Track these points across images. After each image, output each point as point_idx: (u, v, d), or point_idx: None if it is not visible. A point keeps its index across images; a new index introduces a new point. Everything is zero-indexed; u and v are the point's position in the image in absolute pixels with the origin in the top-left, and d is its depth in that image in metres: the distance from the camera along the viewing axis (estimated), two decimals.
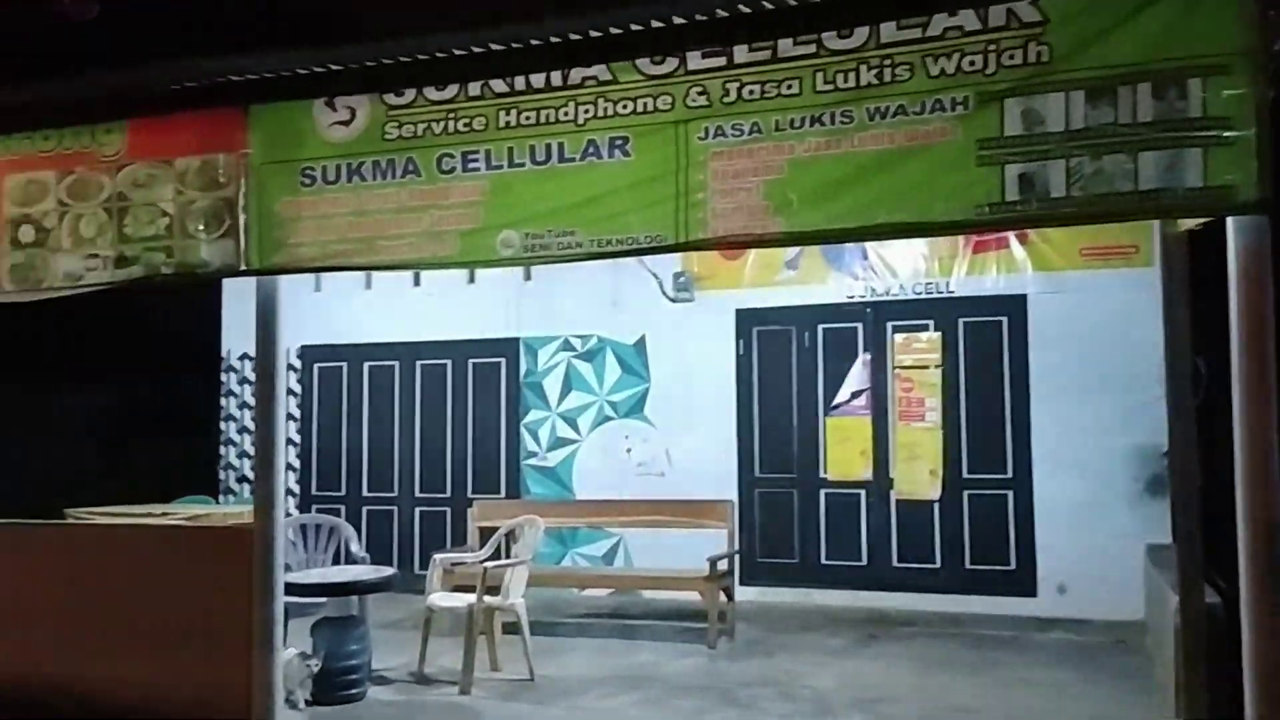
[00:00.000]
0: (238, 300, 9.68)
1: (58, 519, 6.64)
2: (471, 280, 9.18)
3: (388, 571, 6.18)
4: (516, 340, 9.28)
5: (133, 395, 14.82)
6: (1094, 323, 7.63)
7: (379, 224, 4.49)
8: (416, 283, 9.32)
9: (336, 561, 6.91)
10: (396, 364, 9.59)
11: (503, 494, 9.08)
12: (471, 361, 9.41)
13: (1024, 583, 7.80)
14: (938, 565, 8.03)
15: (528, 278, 9.10)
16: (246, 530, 4.77)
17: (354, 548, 6.82)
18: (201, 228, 4.72)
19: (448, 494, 9.36)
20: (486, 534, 7.95)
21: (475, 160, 4.38)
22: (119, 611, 4.99)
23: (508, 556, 6.58)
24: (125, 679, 4.90)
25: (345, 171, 4.53)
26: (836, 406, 8.40)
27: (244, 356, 9.90)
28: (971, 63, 3.62)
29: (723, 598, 7.16)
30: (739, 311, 8.66)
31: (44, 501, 7.34)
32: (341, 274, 8.51)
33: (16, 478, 10.90)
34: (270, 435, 4.88)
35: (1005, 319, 8.00)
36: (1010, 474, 7.93)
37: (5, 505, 6.32)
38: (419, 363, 9.55)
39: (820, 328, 8.50)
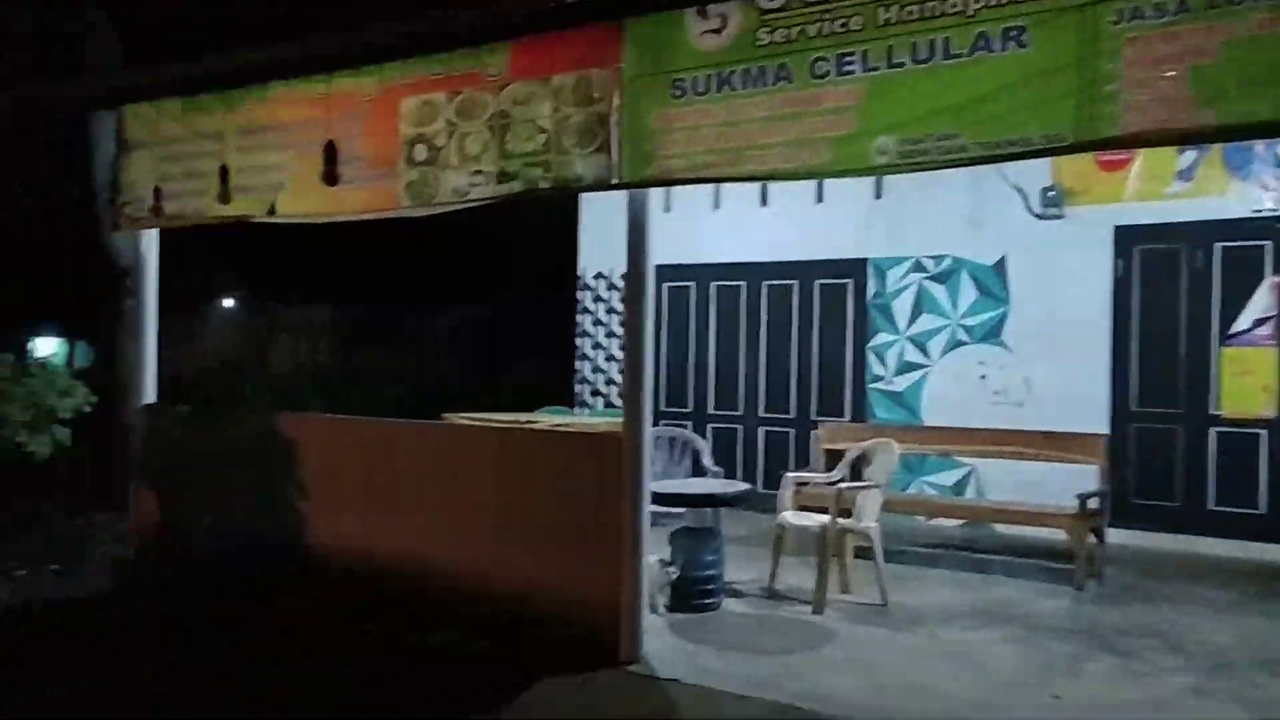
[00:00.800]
0: (594, 221, 10.10)
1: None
2: (820, 199, 8.97)
3: (744, 486, 6.23)
4: (864, 261, 8.99)
5: (498, 313, 16.06)
6: None
7: (748, 134, 4.42)
8: (764, 203, 9.23)
9: (689, 474, 7.07)
10: (743, 284, 9.60)
11: (847, 417, 8.91)
12: (818, 282, 9.24)
13: None
14: None
15: (878, 195, 8.77)
16: (618, 437, 4.93)
17: (706, 461, 6.94)
18: (576, 143, 4.85)
19: (791, 415, 9.33)
20: (831, 456, 7.84)
21: (851, 62, 4.18)
22: (499, 505, 5.34)
23: (856, 479, 6.42)
24: (502, 567, 5.26)
25: (715, 81, 4.48)
26: (1235, 335, 7.46)
27: (598, 275, 10.30)
28: None
29: (1091, 538, 6.62)
30: (1118, 229, 7.86)
31: (423, 407, 8.07)
32: (691, 194, 8.70)
33: (402, 385, 12.13)
34: (639, 348, 5.00)
35: None
36: None
37: (393, 408, 6.99)
38: (765, 283, 9.51)
39: (1217, 246, 7.55)
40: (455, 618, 5.29)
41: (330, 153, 5.45)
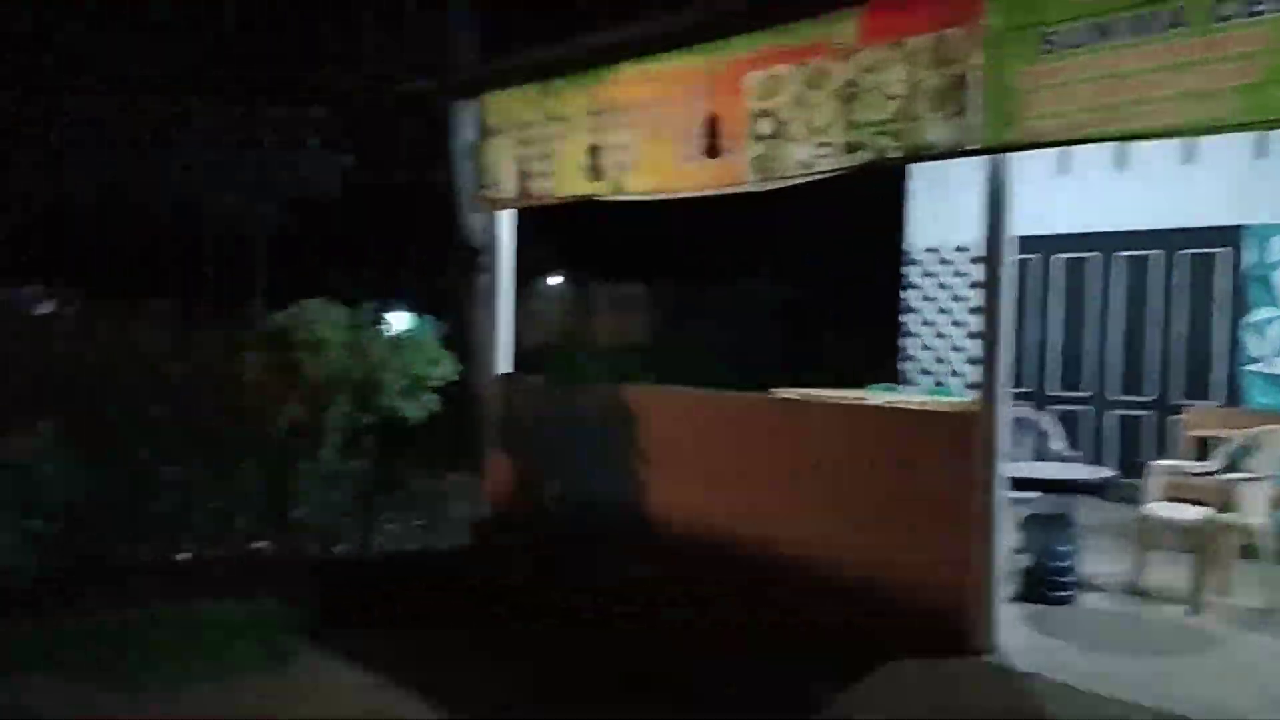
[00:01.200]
0: (924, 193, 9.70)
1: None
2: (1188, 160, 8.11)
3: (1106, 472, 5.78)
4: (1239, 228, 8.02)
5: (817, 288, 15.94)
6: None
7: (1131, 87, 4.02)
8: (1120, 166, 8.46)
9: (1032, 458, 6.63)
10: (1093, 256, 8.87)
11: (1218, 401, 8.03)
12: (1182, 252, 8.37)
13: None
14: None
15: (1261, 154, 7.79)
16: (972, 417, 4.69)
17: (1057, 444, 6.48)
18: (930, 108, 4.62)
19: (1148, 397, 8.54)
20: (1198, 443, 7.11)
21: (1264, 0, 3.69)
22: (838, 481, 5.21)
23: (1231, 470, 5.73)
24: (841, 544, 5.13)
25: (1094, 32, 4.11)
26: None
27: (929, 249, 9.90)
28: None
29: None
30: None
31: (740, 379, 8.08)
32: (1035, 159, 8.08)
33: (723, 360, 12.31)
34: (996, 323, 4.73)
35: None
36: None
37: (714, 382, 7.02)
38: (1118, 254, 8.74)
39: None
40: (793, 592, 5.25)
41: (711, 126, 5.43)
